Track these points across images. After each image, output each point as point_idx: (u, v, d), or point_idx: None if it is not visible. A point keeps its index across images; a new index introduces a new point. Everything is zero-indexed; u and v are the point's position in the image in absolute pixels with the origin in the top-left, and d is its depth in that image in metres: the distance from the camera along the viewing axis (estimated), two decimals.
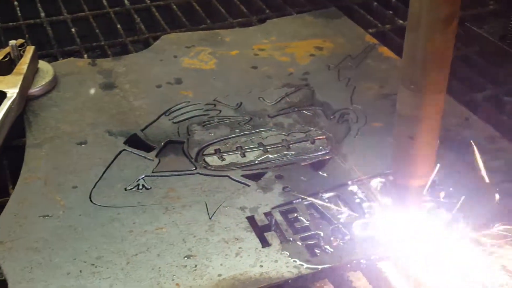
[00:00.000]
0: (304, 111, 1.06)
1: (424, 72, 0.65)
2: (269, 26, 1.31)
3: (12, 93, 0.99)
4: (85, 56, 1.22)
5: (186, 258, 0.79)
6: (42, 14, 1.33)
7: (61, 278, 0.75)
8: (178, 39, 1.26)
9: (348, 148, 0.97)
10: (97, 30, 1.30)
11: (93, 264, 0.77)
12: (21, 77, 1.02)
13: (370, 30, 1.30)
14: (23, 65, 1.05)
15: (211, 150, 0.97)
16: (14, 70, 1.04)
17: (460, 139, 0.97)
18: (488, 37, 0.94)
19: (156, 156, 0.95)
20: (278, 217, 0.84)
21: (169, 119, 1.04)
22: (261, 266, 0.78)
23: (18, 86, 1.01)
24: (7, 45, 1.10)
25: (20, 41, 1.09)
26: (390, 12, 1.37)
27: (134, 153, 0.96)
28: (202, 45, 1.23)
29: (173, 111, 1.05)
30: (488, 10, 1.31)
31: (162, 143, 0.98)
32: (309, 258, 0.78)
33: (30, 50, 1.08)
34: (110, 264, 0.77)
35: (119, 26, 1.31)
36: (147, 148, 0.97)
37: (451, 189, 0.88)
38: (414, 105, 0.67)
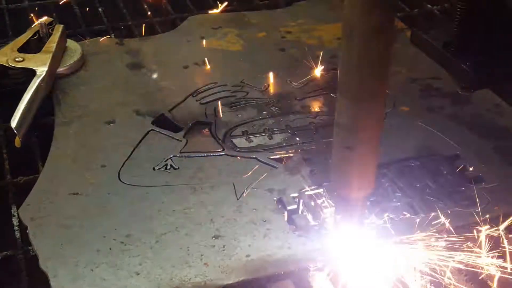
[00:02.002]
0: (331, 94, 1.05)
1: (359, 81, 0.62)
2: (296, 8, 1.30)
3: (42, 71, 1.00)
4: (112, 35, 1.22)
5: (214, 238, 0.79)
6: None
7: (91, 255, 0.76)
8: (205, 20, 1.25)
9: None
10: (124, 10, 1.30)
11: (123, 242, 0.78)
12: (50, 55, 1.03)
13: (398, 14, 1.28)
14: (52, 43, 1.06)
15: (238, 131, 0.97)
16: (43, 49, 1.05)
17: (490, 125, 0.97)
18: (432, 43, 0.89)
19: (184, 136, 0.96)
20: (306, 199, 0.84)
21: (196, 100, 1.04)
22: (289, 248, 0.78)
23: (47, 64, 1.01)
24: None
25: (49, 19, 1.09)
26: None
27: (162, 133, 0.96)
28: (229, 27, 1.23)
29: (200, 92, 1.05)
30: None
31: (190, 124, 0.98)
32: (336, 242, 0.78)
33: (58, 28, 1.08)
34: (139, 243, 0.78)
35: (146, 6, 1.31)
36: (175, 129, 0.97)
37: (480, 174, 0.88)
38: (351, 114, 0.64)
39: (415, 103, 1.02)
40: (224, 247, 0.78)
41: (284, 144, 0.94)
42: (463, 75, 0.83)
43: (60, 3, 1.30)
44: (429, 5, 1.33)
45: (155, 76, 1.08)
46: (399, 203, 0.84)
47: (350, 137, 0.65)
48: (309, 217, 0.81)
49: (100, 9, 1.30)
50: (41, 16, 1.12)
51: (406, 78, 1.08)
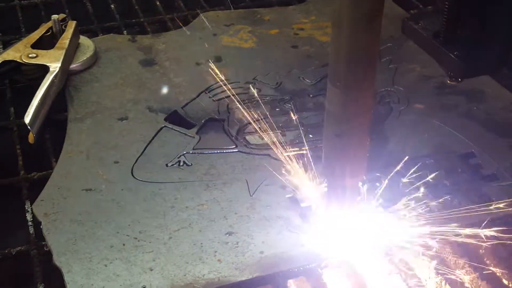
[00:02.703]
0: None
1: (348, 69, 0.63)
2: (309, 5, 1.29)
3: (55, 67, 1.00)
4: (125, 32, 1.22)
5: (227, 235, 0.79)
6: None
7: (104, 251, 0.76)
8: (217, 17, 1.25)
9: (390, 130, 0.96)
10: (136, 7, 1.30)
11: (136, 238, 0.78)
12: (63, 52, 1.03)
13: (412, 11, 1.28)
14: (65, 39, 1.06)
15: (251, 128, 0.96)
16: (57, 45, 1.05)
17: (505, 123, 0.96)
18: (422, 33, 0.89)
19: (197, 133, 0.95)
20: (319, 196, 0.84)
21: (209, 97, 1.03)
22: (302, 245, 0.77)
23: (61, 60, 1.01)
24: (48, 20, 1.10)
25: (62, 15, 1.09)
26: None
27: (174, 129, 0.96)
28: (242, 24, 1.22)
29: (213, 89, 1.05)
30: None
31: (203, 121, 0.97)
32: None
33: (72, 25, 1.08)
34: (153, 239, 0.78)
35: (158, 3, 1.31)
36: (188, 125, 0.97)
37: (495, 172, 0.87)
38: (340, 102, 0.65)
39: (430, 100, 1.01)
40: (237, 243, 0.78)
41: (297, 141, 0.94)
42: (451, 65, 0.83)
43: None
44: None
45: (167, 72, 1.08)
46: (413, 201, 0.83)
47: (340, 124, 0.66)
48: (322, 213, 0.81)
49: (112, 6, 1.29)
50: (52, 13, 1.12)
51: (420, 75, 1.08)
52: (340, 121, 0.66)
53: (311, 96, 1.03)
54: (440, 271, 0.75)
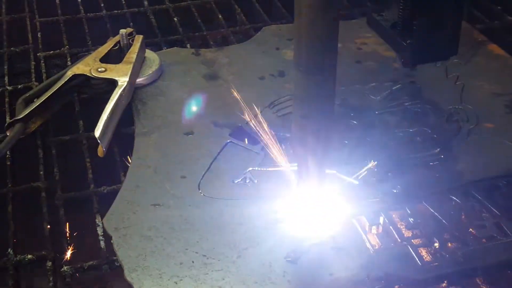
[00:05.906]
0: (410, 108, 1.03)
1: (308, 56, 0.68)
2: None
3: (123, 81, 1.01)
4: (188, 45, 1.23)
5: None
6: (146, 3, 1.35)
7: (174, 268, 0.76)
8: (279, 30, 1.25)
9: (459, 149, 0.94)
10: (198, 20, 1.31)
11: (205, 256, 0.78)
12: (131, 66, 1.04)
13: (478, 26, 1.25)
14: (132, 54, 1.07)
15: None
16: (124, 59, 1.06)
17: None
18: (382, 23, 0.93)
19: (262, 149, 0.95)
20: (389, 218, 0.82)
21: (273, 112, 1.03)
22: (372, 268, 0.76)
23: (129, 74, 1.02)
24: (114, 33, 1.12)
25: (129, 29, 1.11)
26: (499, 7, 1.31)
27: (240, 145, 0.96)
28: None
29: (277, 104, 1.05)
30: None
31: (268, 137, 0.97)
32: (420, 263, 0.76)
33: (138, 39, 1.10)
34: (222, 257, 0.78)
35: (220, 16, 1.32)
36: (253, 141, 0.97)
37: None
38: (303, 86, 0.71)
39: (501, 119, 0.99)
40: (306, 264, 0.77)
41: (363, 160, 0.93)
42: (403, 52, 0.91)
43: None
44: (509, 17, 1.29)
45: (231, 87, 1.08)
46: (486, 224, 0.81)
47: (304, 106, 0.72)
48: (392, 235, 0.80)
49: (175, 19, 1.31)
50: (117, 26, 1.14)
51: (490, 93, 1.05)
52: (303, 103, 0.72)
53: (376, 112, 1.02)
54: None
